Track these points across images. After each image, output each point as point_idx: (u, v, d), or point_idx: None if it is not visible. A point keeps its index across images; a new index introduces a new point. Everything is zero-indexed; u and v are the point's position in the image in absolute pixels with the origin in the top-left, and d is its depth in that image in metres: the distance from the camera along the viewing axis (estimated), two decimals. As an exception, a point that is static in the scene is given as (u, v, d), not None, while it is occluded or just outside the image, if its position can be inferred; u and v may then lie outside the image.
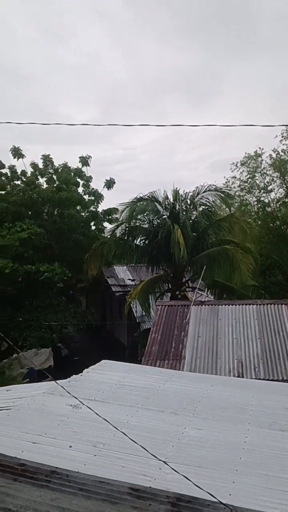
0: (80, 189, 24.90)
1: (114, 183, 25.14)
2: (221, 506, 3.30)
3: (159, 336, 12.18)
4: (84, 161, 24.84)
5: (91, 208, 25.20)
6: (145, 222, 18.70)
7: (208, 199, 18.59)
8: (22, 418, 4.90)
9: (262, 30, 56.85)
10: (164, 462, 3.81)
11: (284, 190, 28.33)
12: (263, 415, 5.31)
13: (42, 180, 24.19)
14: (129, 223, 18.12)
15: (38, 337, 18.85)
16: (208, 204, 18.71)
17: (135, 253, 18.37)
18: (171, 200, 18.55)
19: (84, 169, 25.09)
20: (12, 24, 53.95)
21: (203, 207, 18.65)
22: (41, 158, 24.32)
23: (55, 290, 20.35)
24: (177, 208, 18.22)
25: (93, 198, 25.12)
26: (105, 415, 4.64)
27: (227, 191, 20.30)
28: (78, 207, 24.22)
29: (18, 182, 23.88)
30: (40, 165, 24.27)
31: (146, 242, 18.20)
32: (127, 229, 18.45)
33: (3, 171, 23.71)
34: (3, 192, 23.24)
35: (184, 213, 18.31)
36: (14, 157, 23.21)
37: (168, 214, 18.26)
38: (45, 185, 23.90)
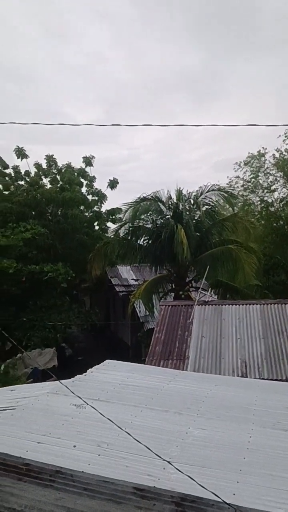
0: (84, 189, 24.91)
1: (118, 183, 25.16)
2: (225, 506, 3.30)
3: (163, 336, 12.19)
4: (88, 161, 24.86)
5: (95, 208, 25.21)
6: (149, 222, 18.71)
7: (212, 199, 18.61)
8: (26, 418, 4.92)
9: (265, 29, 56.75)
10: (168, 462, 3.81)
11: (287, 189, 28.29)
12: (266, 415, 5.30)
13: (45, 180, 24.23)
14: (132, 223, 18.13)
15: (42, 337, 18.88)
16: (211, 204, 18.72)
17: (139, 253, 18.37)
18: (175, 200, 18.56)
19: (87, 169, 25.11)
20: (13, 24, 54.06)
21: (207, 207, 18.65)
22: (44, 158, 24.37)
23: (59, 290, 20.39)
24: (180, 208, 18.22)
25: (96, 198, 25.13)
26: (109, 415, 4.64)
27: (230, 190, 20.34)
28: (81, 207, 24.23)
29: (22, 183, 23.92)
30: (44, 166, 24.31)
31: (150, 242, 18.20)
32: (130, 229, 18.46)
33: (7, 171, 23.77)
34: (7, 193, 23.30)
35: (187, 213, 18.30)
36: (18, 158, 23.27)
37: (171, 214, 18.26)
38: (48, 185, 23.93)
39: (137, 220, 18.21)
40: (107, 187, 25.04)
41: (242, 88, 66.12)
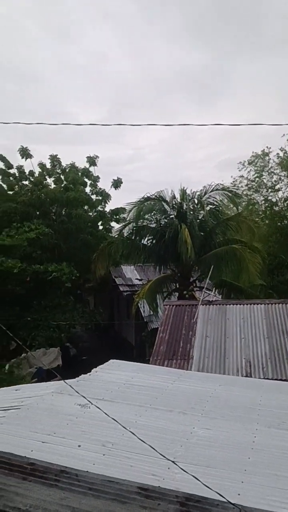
0: (88, 189, 24.98)
1: (121, 182, 25.20)
2: (230, 506, 3.29)
3: (167, 335, 12.18)
4: (92, 161, 24.90)
5: (99, 208, 25.26)
6: (153, 222, 18.70)
7: (216, 198, 18.58)
8: (31, 417, 4.93)
9: (269, 28, 56.59)
10: (173, 461, 3.81)
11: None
12: (271, 415, 5.29)
13: (50, 180, 24.32)
14: (136, 223, 18.13)
15: (47, 336, 18.93)
16: (215, 203, 18.69)
17: (143, 252, 18.38)
18: (179, 200, 18.54)
19: (91, 169, 25.18)
20: (16, 24, 54.21)
21: (211, 206, 18.63)
22: (48, 158, 24.46)
23: (63, 290, 20.44)
24: (184, 208, 18.21)
25: (100, 198, 25.18)
26: (113, 414, 4.65)
27: (234, 190, 20.28)
28: (85, 207, 24.28)
29: (26, 182, 24.00)
30: (48, 165, 24.37)
31: (154, 241, 18.20)
32: (134, 228, 18.46)
33: (11, 171, 23.84)
34: (11, 193, 23.38)
35: (191, 212, 18.29)
36: (22, 157, 23.35)
37: (175, 213, 18.24)
38: (53, 185, 24.00)
39: (141, 220, 18.20)
40: (111, 187, 25.10)
41: (246, 87, 66.01)
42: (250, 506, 3.30)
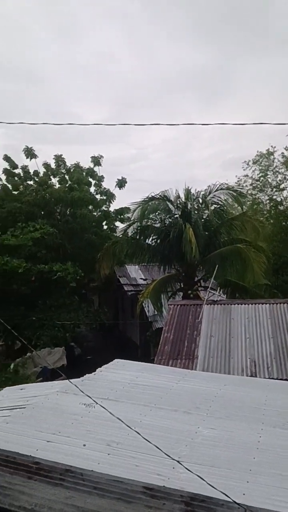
0: (92, 189, 24.97)
1: (126, 182, 25.16)
2: (235, 506, 3.29)
3: (172, 335, 12.18)
4: (96, 161, 24.90)
5: (103, 208, 25.25)
6: (157, 221, 18.68)
7: (220, 197, 18.52)
8: (36, 416, 4.95)
9: (274, 27, 56.41)
10: (178, 461, 3.81)
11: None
12: (276, 415, 5.29)
13: (54, 180, 24.30)
14: (141, 223, 18.11)
15: (51, 336, 18.95)
16: (220, 202, 18.64)
17: (147, 252, 18.36)
18: (183, 199, 18.51)
19: (96, 168, 25.17)
20: (21, 24, 54.35)
21: (215, 206, 18.58)
22: (53, 158, 24.44)
23: (68, 290, 20.45)
24: (189, 207, 18.18)
25: (105, 197, 25.16)
26: (118, 414, 4.65)
27: (239, 189, 20.23)
28: (90, 207, 24.28)
29: (31, 182, 24.03)
30: (53, 165, 24.39)
31: (158, 241, 18.18)
32: (139, 228, 18.44)
33: (16, 171, 23.89)
34: (16, 192, 23.43)
35: (196, 212, 18.25)
36: (27, 157, 23.38)
37: (180, 213, 18.21)
38: (57, 185, 24.01)
39: (146, 220, 18.18)
40: (115, 187, 25.09)
41: (251, 87, 65.77)
42: (255, 506, 3.30)
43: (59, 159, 24.47)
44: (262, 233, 18.94)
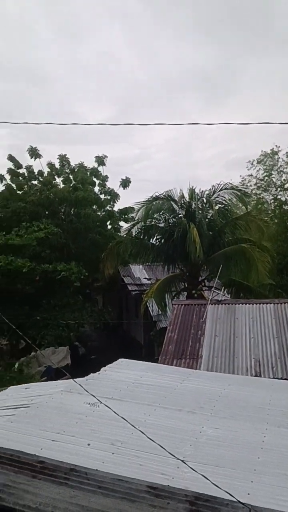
0: (96, 189, 24.99)
1: (130, 182, 25.17)
2: (239, 506, 3.29)
3: (176, 335, 12.17)
4: (100, 160, 24.92)
5: (107, 208, 25.26)
6: (161, 221, 18.67)
7: (224, 197, 18.49)
8: (41, 416, 4.96)
9: (279, 26, 56.21)
10: (182, 461, 3.81)
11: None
12: (281, 415, 5.27)
13: (58, 180, 24.38)
14: (145, 222, 18.11)
15: (56, 335, 18.99)
16: (224, 202, 18.62)
17: (151, 252, 18.37)
18: (187, 199, 18.49)
19: (100, 168, 25.19)
20: (26, 24, 54.43)
21: (219, 205, 18.55)
22: (57, 158, 24.51)
23: (72, 289, 20.47)
24: (193, 207, 18.16)
25: (109, 197, 25.18)
26: (122, 413, 4.66)
27: (243, 189, 20.20)
28: (94, 207, 24.31)
29: (35, 182, 24.10)
30: (57, 165, 24.44)
31: (162, 241, 18.18)
32: (143, 228, 18.44)
33: (21, 171, 23.95)
34: (20, 192, 23.49)
35: (200, 211, 18.22)
36: (31, 157, 23.47)
37: (184, 213, 18.20)
38: (61, 185, 24.06)
39: (150, 219, 18.17)
40: (119, 186, 25.10)
41: (255, 86, 65.60)
42: (260, 505, 3.29)
43: (63, 159, 24.52)
44: (266, 233, 18.88)
